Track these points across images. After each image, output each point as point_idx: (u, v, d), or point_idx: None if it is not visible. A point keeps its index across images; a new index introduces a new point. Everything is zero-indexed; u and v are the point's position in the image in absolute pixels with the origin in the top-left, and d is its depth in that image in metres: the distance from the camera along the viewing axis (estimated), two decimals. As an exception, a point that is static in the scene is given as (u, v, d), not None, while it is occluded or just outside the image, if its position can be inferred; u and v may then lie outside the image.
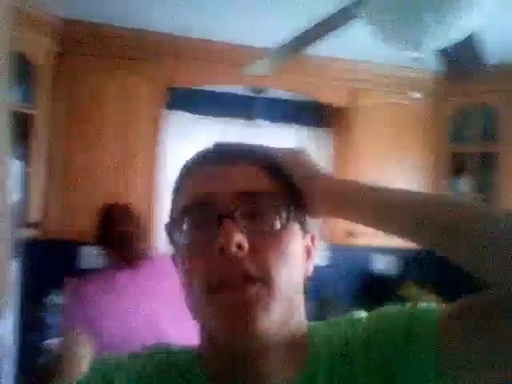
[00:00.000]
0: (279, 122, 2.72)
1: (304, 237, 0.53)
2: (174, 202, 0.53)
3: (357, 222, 0.50)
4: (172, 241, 0.51)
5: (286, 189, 0.51)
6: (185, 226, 0.49)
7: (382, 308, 0.54)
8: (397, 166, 2.55)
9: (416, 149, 2.60)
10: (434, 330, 0.46)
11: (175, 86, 2.31)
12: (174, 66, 2.28)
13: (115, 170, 2.18)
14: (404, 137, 2.58)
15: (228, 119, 2.64)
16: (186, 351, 0.55)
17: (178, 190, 0.53)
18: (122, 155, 2.20)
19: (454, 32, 1.08)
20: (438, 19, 1.03)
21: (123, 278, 1.51)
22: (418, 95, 1.64)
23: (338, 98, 2.54)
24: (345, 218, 0.51)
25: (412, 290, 2.65)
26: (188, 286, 0.49)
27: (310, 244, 0.55)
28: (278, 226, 0.48)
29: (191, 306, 0.50)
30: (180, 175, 0.54)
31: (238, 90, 2.56)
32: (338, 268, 2.73)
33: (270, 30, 2.04)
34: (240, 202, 0.47)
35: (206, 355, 0.52)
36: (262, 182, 0.49)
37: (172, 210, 0.53)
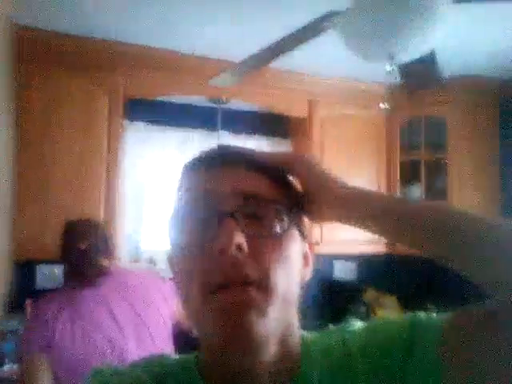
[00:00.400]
0: (240, 133, 2.74)
1: (302, 243, 0.53)
2: (175, 201, 0.52)
3: (372, 232, 0.51)
4: (171, 241, 0.50)
5: (287, 193, 0.51)
6: (185, 225, 0.48)
7: (381, 318, 0.55)
8: (353, 176, 2.63)
9: (372, 158, 2.72)
10: (437, 341, 0.46)
11: (137, 96, 2.26)
12: (134, 76, 2.23)
13: (71, 182, 2.08)
14: (360, 147, 2.68)
15: (190, 130, 2.62)
16: (184, 361, 0.55)
17: (179, 189, 0.52)
18: (79, 167, 2.11)
19: (422, 45, 1.14)
20: (410, 33, 1.09)
21: (85, 296, 1.46)
22: (385, 106, 1.71)
23: (297, 109, 2.60)
24: (357, 226, 0.52)
25: (373, 294, 2.73)
26: (185, 287, 0.48)
27: (308, 251, 0.55)
28: (278, 229, 0.48)
29: (188, 308, 0.49)
30: (182, 174, 0.53)
31: (200, 101, 2.55)
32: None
33: (233, 43, 2.06)
34: (241, 203, 0.47)
35: (204, 365, 0.52)
36: (263, 186, 0.49)
37: (173, 210, 0.52)
